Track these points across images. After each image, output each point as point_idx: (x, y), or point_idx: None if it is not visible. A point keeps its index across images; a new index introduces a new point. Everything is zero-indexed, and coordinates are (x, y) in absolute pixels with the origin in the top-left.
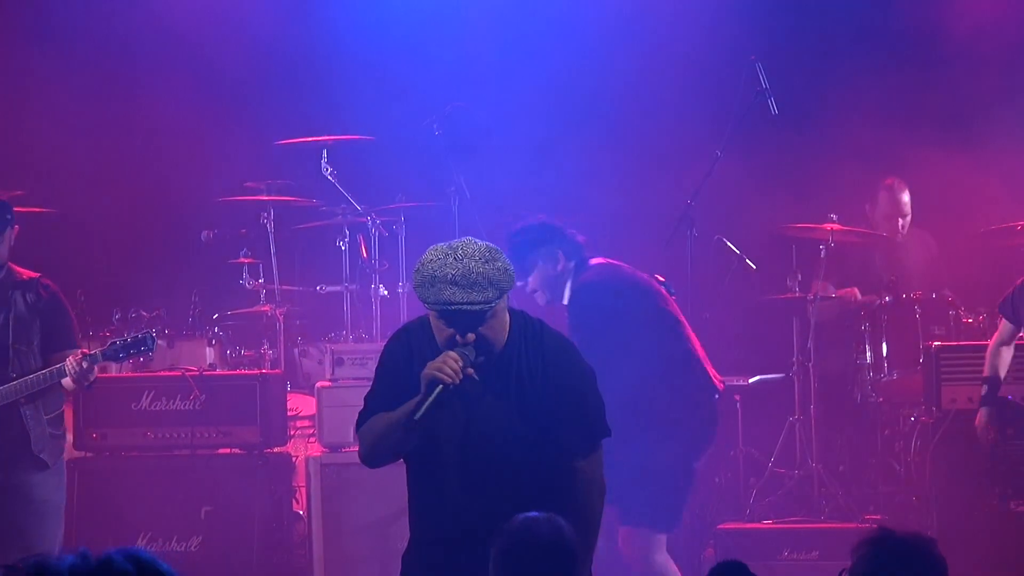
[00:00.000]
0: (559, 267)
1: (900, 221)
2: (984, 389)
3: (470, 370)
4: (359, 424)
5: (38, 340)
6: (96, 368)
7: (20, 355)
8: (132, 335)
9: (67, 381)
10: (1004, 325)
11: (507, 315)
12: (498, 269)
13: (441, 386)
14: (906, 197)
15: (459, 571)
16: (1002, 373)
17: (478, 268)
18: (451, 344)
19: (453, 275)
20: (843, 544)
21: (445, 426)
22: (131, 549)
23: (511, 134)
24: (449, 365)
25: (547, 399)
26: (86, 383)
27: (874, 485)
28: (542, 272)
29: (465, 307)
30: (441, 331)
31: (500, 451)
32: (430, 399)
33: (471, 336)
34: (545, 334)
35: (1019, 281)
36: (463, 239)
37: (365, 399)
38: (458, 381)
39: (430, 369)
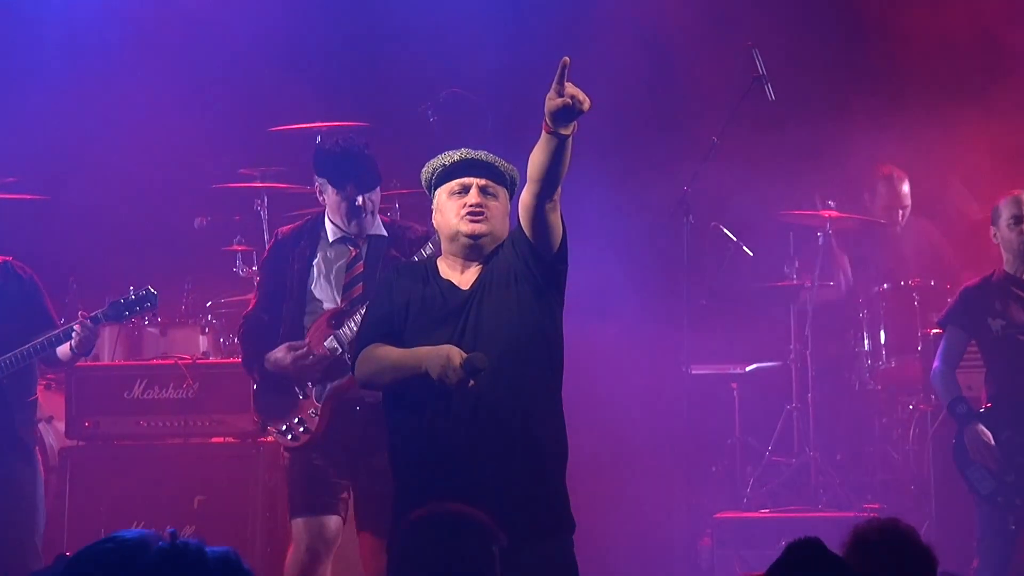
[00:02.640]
0: None
1: (900, 212)
2: (962, 407)
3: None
4: (356, 350)
5: (16, 325)
6: (98, 332)
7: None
8: (134, 292)
9: (64, 349)
10: (952, 336)
11: (508, 222)
12: (504, 161)
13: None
14: (906, 187)
15: (450, 489)
16: (958, 389)
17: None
18: (461, 215)
19: (463, 151)
20: (841, 533)
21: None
22: (223, 551)
23: (506, 119)
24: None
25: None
26: (88, 347)
27: (872, 473)
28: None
29: (480, 156)
30: (450, 206)
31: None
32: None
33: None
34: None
35: (962, 288)
36: None
37: (361, 325)
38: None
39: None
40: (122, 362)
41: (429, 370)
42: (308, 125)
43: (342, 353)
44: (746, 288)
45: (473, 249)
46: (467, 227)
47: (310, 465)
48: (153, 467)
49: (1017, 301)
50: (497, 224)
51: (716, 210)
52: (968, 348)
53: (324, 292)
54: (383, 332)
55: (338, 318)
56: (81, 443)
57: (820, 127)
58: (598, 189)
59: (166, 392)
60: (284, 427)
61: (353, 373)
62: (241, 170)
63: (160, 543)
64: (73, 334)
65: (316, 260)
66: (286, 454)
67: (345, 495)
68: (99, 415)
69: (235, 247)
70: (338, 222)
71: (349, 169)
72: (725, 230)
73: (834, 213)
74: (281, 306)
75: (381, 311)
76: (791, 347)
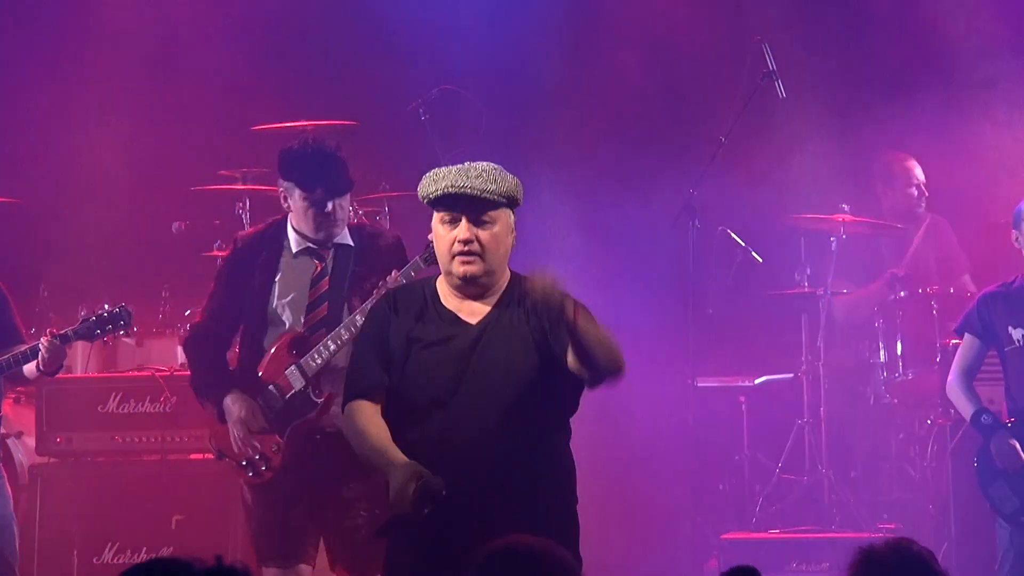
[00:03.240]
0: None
1: (918, 190)
2: (986, 418)
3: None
4: (347, 393)
5: None
6: (67, 351)
7: None
8: (107, 309)
9: (31, 368)
10: (969, 344)
11: (510, 239)
12: (506, 177)
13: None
14: (919, 170)
15: (454, 530)
16: (979, 400)
17: (485, 166)
18: (452, 252)
19: (458, 168)
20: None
21: (435, 390)
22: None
23: (503, 118)
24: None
25: (544, 335)
26: (56, 367)
27: (888, 492)
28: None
29: (467, 190)
30: (442, 236)
31: (492, 421)
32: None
33: (472, 237)
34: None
35: (980, 294)
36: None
37: (351, 363)
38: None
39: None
40: (96, 374)
41: (390, 486)
42: (292, 124)
43: (305, 387)
44: (755, 296)
45: (469, 287)
46: (459, 269)
47: (275, 509)
48: (129, 485)
49: None
50: (494, 256)
51: (723, 214)
52: (996, 364)
53: (287, 313)
54: (374, 381)
55: (300, 345)
56: (52, 460)
57: (834, 125)
58: (598, 191)
59: (142, 406)
60: (244, 461)
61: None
62: (221, 171)
63: (206, 565)
64: (40, 352)
65: (278, 276)
66: (247, 490)
67: (314, 540)
68: (71, 430)
69: (215, 253)
70: (304, 230)
71: (319, 171)
72: (733, 235)
73: (848, 217)
74: (234, 319)
75: (374, 352)
76: (802, 358)
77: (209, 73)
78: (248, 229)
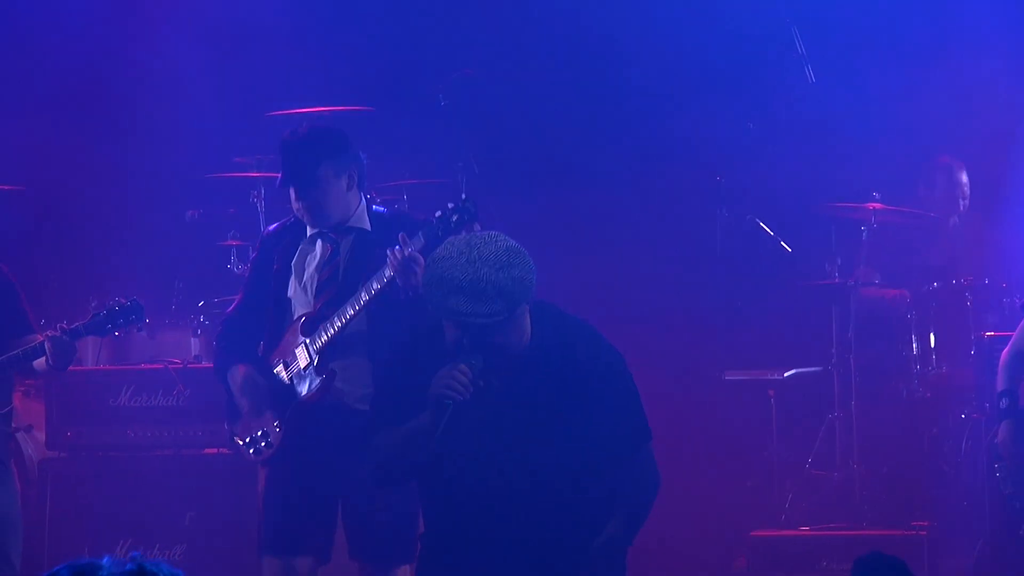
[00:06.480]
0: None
1: (961, 203)
2: (1004, 402)
3: (480, 382)
4: (374, 425)
5: None
6: (77, 346)
7: None
8: (119, 302)
9: (40, 363)
10: None
11: (526, 319)
12: (512, 278)
13: (451, 404)
14: (965, 177)
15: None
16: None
17: (489, 275)
18: (459, 347)
19: (460, 280)
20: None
21: (461, 437)
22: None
23: (524, 103)
24: (457, 379)
25: (582, 400)
26: (66, 362)
27: (921, 488)
28: (326, 188)
29: (468, 318)
30: (450, 331)
31: (523, 459)
32: (443, 421)
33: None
34: (574, 331)
35: None
36: (486, 235)
37: (372, 409)
38: (468, 396)
39: (438, 386)
40: (107, 367)
41: (433, 396)
42: (308, 109)
43: (310, 364)
44: (784, 287)
45: None
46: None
47: (284, 491)
48: (141, 480)
49: None
50: (511, 347)
51: (752, 202)
52: None
53: (300, 294)
54: (400, 416)
55: (310, 324)
56: (63, 454)
57: (865, 111)
58: (624, 177)
59: (155, 399)
60: (248, 439)
61: (371, 479)
62: (236, 158)
63: (127, 566)
64: (46, 346)
65: (294, 260)
66: (260, 479)
67: (324, 531)
68: (82, 424)
69: (229, 242)
70: None
71: (282, 164)
72: (762, 224)
73: (880, 205)
74: (262, 309)
75: (395, 397)
76: (833, 351)
77: (224, 58)
78: (275, 224)
